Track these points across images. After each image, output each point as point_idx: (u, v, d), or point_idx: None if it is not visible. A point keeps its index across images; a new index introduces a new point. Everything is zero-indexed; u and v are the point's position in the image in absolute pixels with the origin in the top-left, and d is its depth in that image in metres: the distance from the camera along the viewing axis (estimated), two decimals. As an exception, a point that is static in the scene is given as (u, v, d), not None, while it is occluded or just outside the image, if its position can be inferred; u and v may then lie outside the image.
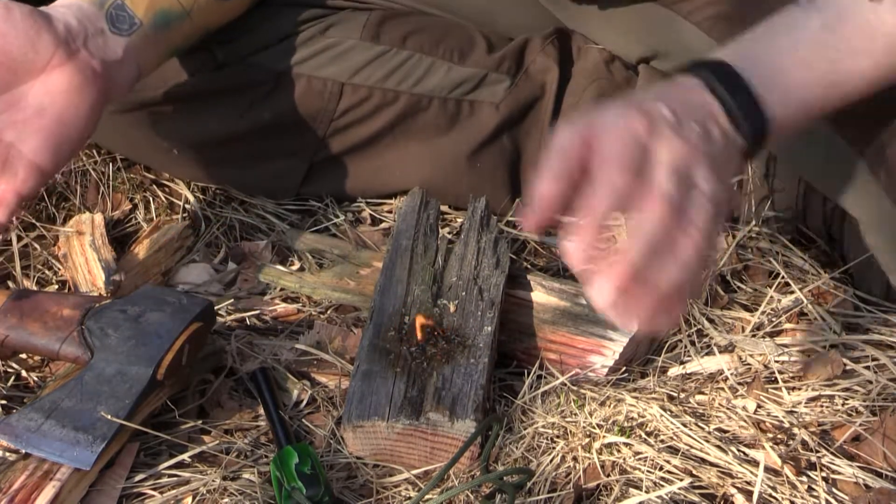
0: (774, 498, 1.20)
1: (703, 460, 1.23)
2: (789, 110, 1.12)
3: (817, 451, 1.26)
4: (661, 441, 1.25)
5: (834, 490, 1.21)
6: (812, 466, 1.24)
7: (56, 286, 1.51)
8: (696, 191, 1.00)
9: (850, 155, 1.38)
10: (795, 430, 1.28)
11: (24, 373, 1.37)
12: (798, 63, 1.12)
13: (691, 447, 1.24)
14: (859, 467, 1.23)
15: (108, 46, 1.35)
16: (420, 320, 1.32)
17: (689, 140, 1.02)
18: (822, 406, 1.32)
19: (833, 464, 1.24)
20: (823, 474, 1.23)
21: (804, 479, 1.22)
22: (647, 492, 1.19)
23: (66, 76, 1.30)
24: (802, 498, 1.20)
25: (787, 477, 1.21)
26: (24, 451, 1.21)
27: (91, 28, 1.34)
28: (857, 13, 1.15)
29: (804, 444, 1.26)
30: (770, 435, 1.27)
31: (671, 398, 1.30)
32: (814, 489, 1.21)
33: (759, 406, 1.31)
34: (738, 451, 1.26)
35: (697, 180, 1.00)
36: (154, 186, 1.69)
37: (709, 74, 1.09)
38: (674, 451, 1.24)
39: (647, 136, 1.00)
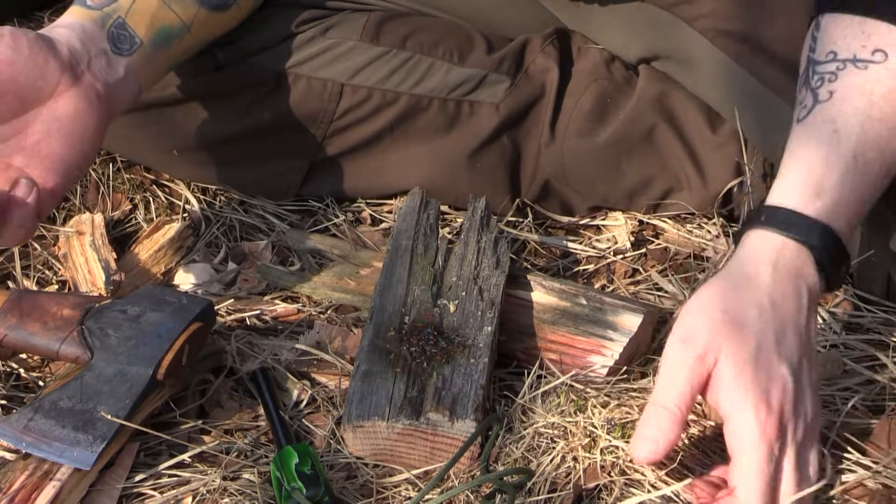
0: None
1: (704, 460, 1.23)
2: (854, 225, 1.18)
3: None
4: (662, 441, 1.25)
5: (832, 485, 1.21)
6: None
7: (56, 286, 1.51)
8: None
9: None
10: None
11: (24, 373, 1.37)
12: (864, 176, 1.16)
13: (692, 447, 1.24)
14: (863, 466, 1.23)
15: (110, 67, 1.36)
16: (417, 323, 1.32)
17: (806, 417, 1.13)
18: (822, 406, 1.32)
19: (835, 462, 1.24)
20: (826, 473, 1.23)
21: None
22: (647, 492, 1.19)
23: (71, 101, 1.31)
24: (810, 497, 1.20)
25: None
26: (24, 451, 1.21)
27: (94, 49, 1.35)
28: (867, 83, 1.18)
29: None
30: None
31: (671, 398, 1.30)
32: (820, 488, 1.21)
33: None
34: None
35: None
36: (154, 186, 1.69)
37: (824, 256, 1.14)
38: (674, 450, 1.24)
39: (779, 448, 1.11)
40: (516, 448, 1.24)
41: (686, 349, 1.11)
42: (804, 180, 1.16)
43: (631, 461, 1.22)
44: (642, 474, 1.20)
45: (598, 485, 1.21)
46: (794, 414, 1.11)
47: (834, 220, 1.15)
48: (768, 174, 1.55)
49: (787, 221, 1.15)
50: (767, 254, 1.15)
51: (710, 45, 1.55)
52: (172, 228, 1.58)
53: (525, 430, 1.26)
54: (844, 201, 1.15)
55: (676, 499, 1.19)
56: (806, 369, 1.13)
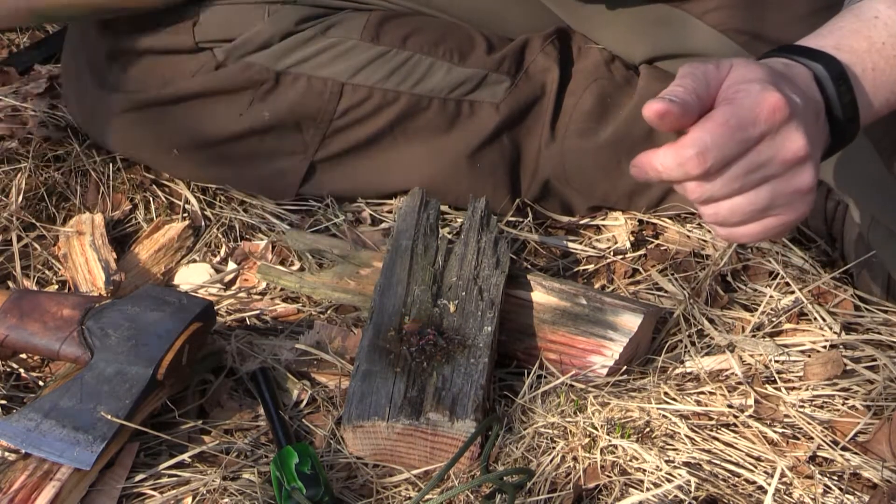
0: (776, 500, 1.20)
1: (704, 460, 1.23)
2: (871, 110, 1.12)
3: (820, 450, 1.26)
4: (661, 441, 1.25)
5: (833, 485, 1.21)
6: (817, 464, 1.24)
7: (56, 286, 1.51)
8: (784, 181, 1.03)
9: (863, 147, 1.38)
10: (796, 430, 1.28)
11: (24, 373, 1.37)
12: (887, 61, 1.11)
13: (691, 447, 1.24)
14: (865, 465, 1.23)
15: None
16: (411, 325, 1.32)
17: (809, 135, 1.03)
18: (822, 405, 1.32)
19: (835, 461, 1.24)
20: (828, 472, 1.23)
21: (810, 478, 1.22)
22: (646, 491, 1.19)
23: None
24: (810, 497, 1.20)
25: (788, 476, 1.21)
26: (24, 451, 1.21)
27: None
28: None
29: (806, 442, 1.27)
30: (771, 434, 1.27)
31: (671, 398, 1.30)
32: (820, 487, 1.21)
33: (759, 405, 1.31)
34: (739, 450, 1.26)
35: (796, 174, 1.03)
36: (154, 186, 1.69)
37: (822, 70, 1.08)
38: (674, 450, 1.24)
39: (779, 125, 1.02)
40: (516, 448, 1.24)
41: (700, 62, 1.06)
42: (826, 37, 1.12)
43: (631, 461, 1.22)
44: (643, 472, 1.21)
45: (598, 485, 1.21)
46: (803, 131, 1.03)
47: (847, 65, 1.09)
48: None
49: (793, 50, 1.11)
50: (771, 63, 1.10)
51: (722, 37, 1.55)
52: (172, 228, 1.58)
53: (525, 430, 1.26)
54: (860, 65, 1.11)
55: (677, 499, 1.19)
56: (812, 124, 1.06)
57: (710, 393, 1.32)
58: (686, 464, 1.22)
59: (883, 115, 1.14)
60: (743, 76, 1.04)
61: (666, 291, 1.50)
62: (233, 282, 1.55)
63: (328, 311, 1.48)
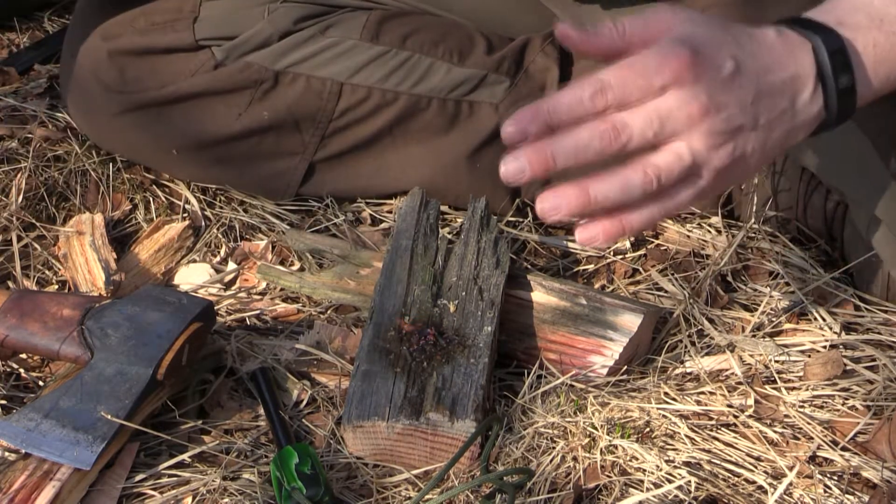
0: (775, 500, 1.20)
1: (704, 460, 1.23)
2: (872, 87, 1.11)
3: (820, 450, 1.26)
4: (661, 441, 1.25)
5: (833, 485, 1.21)
6: (817, 464, 1.24)
7: (56, 286, 1.51)
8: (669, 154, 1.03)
9: (860, 143, 1.37)
10: (796, 430, 1.29)
11: (24, 373, 1.37)
12: (887, 37, 1.11)
13: (691, 447, 1.24)
14: (865, 465, 1.23)
15: None
16: (407, 326, 1.32)
17: (710, 104, 1.02)
18: (822, 405, 1.32)
19: (835, 462, 1.24)
20: (828, 472, 1.23)
21: (810, 478, 1.22)
22: (646, 491, 1.19)
23: None
24: (811, 497, 1.20)
25: (789, 476, 1.21)
26: (24, 451, 1.21)
27: None
28: None
29: (806, 442, 1.27)
30: (771, 434, 1.27)
31: (671, 398, 1.30)
32: (820, 487, 1.21)
33: (759, 405, 1.31)
34: (739, 450, 1.26)
35: (684, 142, 1.02)
36: (154, 186, 1.69)
37: (820, 43, 1.08)
38: (674, 450, 1.24)
39: (677, 79, 1.01)
40: (516, 448, 1.24)
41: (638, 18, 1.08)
42: (829, 12, 1.12)
43: (631, 461, 1.22)
44: (643, 473, 1.21)
45: (598, 485, 1.21)
46: (715, 92, 1.02)
47: (847, 40, 1.09)
48: (775, 171, 1.55)
49: (797, 22, 1.11)
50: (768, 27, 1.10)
51: None
52: (172, 228, 1.58)
53: (525, 430, 1.26)
54: (862, 41, 1.11)
55: (677, 499, 1.19)
56: (756, 98, 1.05)
57: (710, 393, 1.32)
58: (686, 464, 1.22)
59: (885, 94, 1.13)
60: (676, 30, 1.04)
61: (666, 291, 1.51)
62: (233, 282, 1.55)
63: (328, 311, 1.48)
